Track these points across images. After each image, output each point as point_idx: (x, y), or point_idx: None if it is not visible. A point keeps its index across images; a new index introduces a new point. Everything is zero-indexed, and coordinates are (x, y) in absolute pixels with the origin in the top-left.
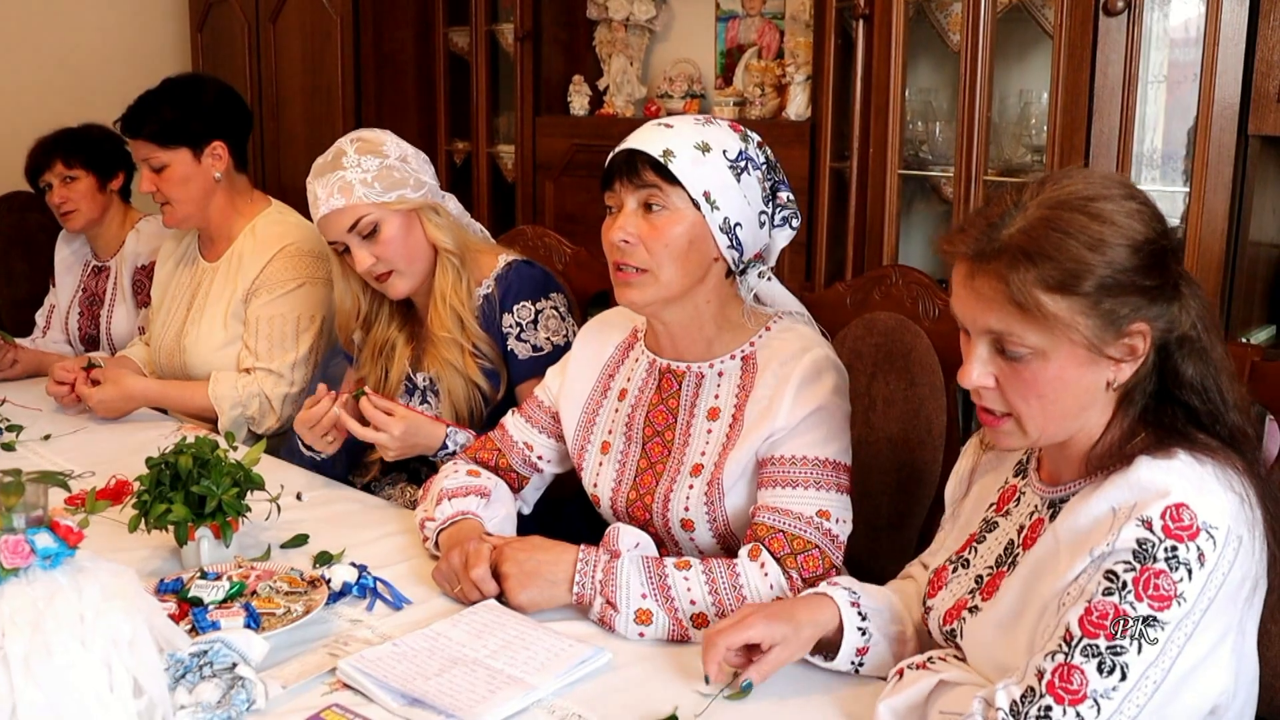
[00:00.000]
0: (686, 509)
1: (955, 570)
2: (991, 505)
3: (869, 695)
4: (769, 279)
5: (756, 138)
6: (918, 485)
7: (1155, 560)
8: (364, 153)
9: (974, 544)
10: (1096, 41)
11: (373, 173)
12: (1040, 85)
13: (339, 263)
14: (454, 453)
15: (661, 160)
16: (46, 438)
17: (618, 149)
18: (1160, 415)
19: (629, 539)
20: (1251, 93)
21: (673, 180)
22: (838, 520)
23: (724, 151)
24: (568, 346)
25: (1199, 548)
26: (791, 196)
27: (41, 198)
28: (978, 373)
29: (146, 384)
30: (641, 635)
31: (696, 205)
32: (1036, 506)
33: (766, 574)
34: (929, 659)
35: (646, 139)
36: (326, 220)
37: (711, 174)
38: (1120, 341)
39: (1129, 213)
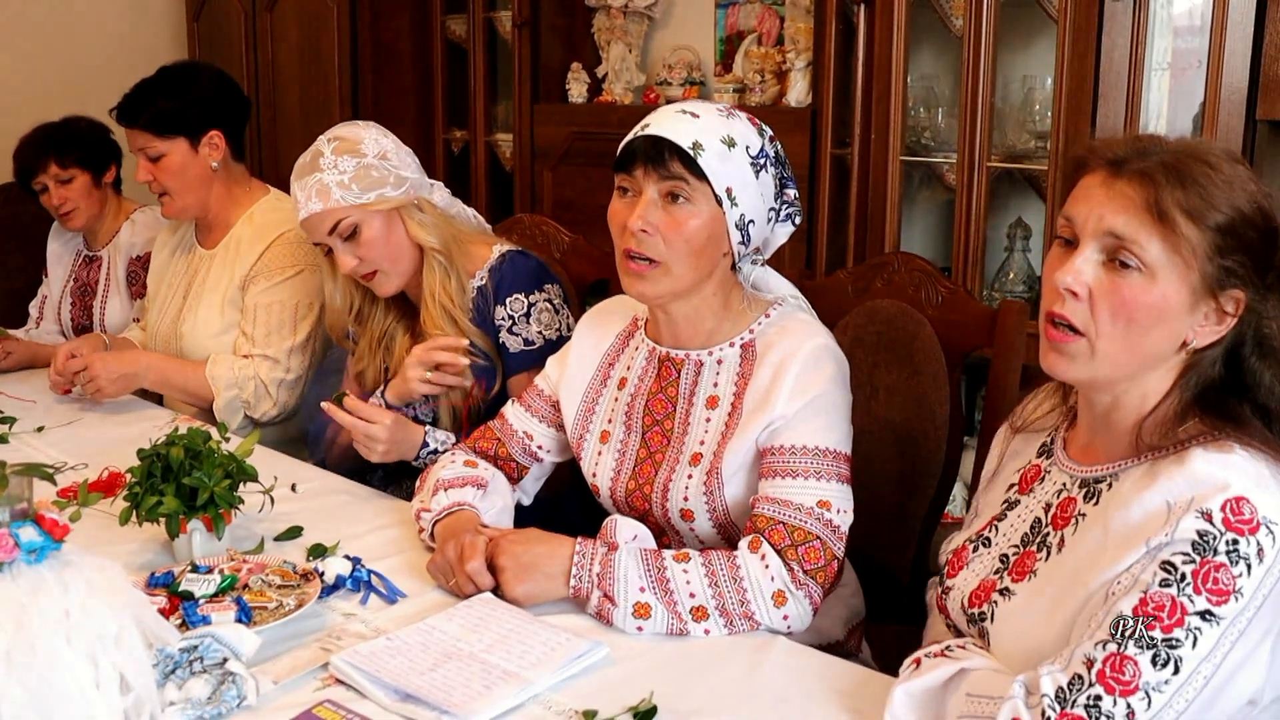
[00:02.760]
0: (686, 498)
1: (976, 549)
2: (1014, 486)
3: (876, 691)
4: (763, 265)
5: (770, 131)
6: (920, 475)
7: (1215, 553)
8: (341, 153)
9: (995, 523)
10: (1101, 26)
11: (350, 174)
12: (1044, 71)
13: (327, 262)
14: (435, 451)
15: (691, 153)
16: (40, 429)
17: (640, 132)
18: (1221, 402)
19: (627, 531)
20: (1259, 78)
21: (699, 174)
22: (839, 511)
23: (747, 148)
24: (561, 340)
25: (1259, 542)
26: (796, 194)
27: (34, 198)
28: (1076, 275)
29: (150, 355)
30: (640, 629)
31: (718, 201)
32: (1065, 485)
33: (767, 566)
34: (946, 648)
35: (674, 128)
36: (307, 223)
37: (735, 170)
38: (1218, 300)
39: (1259, 184)
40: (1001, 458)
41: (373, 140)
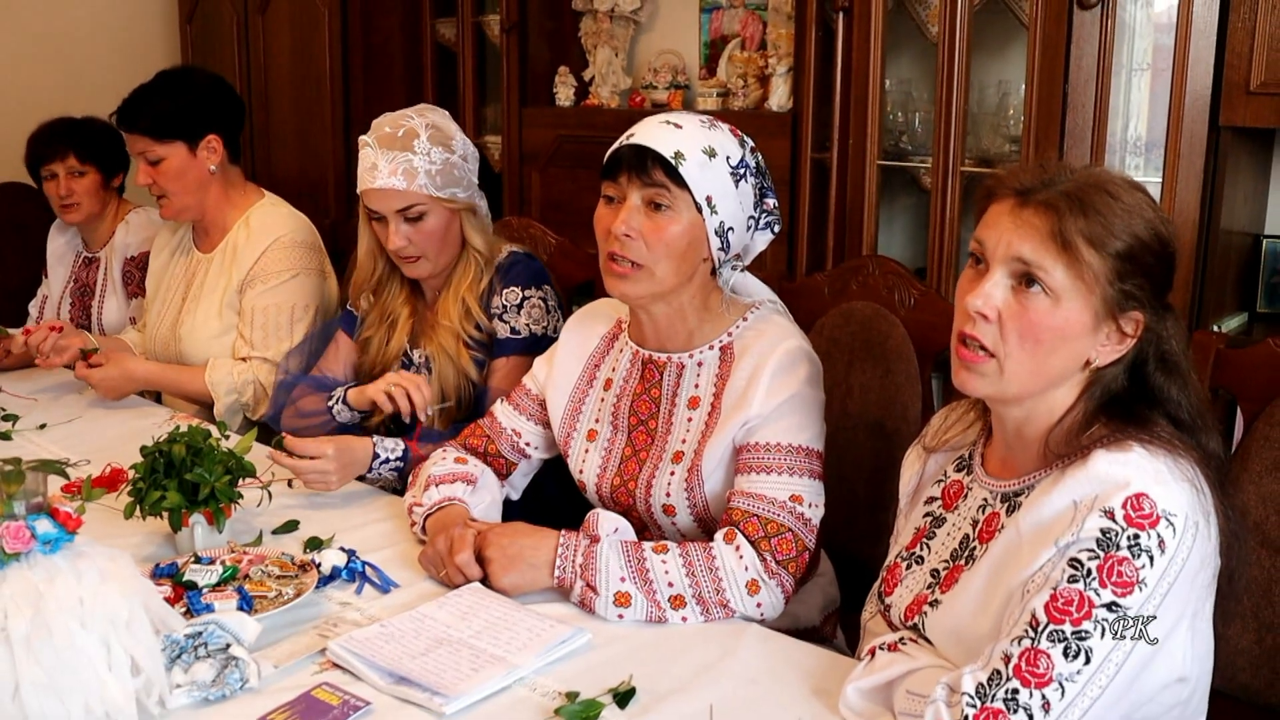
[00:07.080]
0: (668, 494)
1: (909, 566)
2: (937, 502)
3: (840, 673)
4: (742, 270)
5: (751, 143)
6: (893, 469)
7: (1118, 548)
8: (436, 142)
9: (924, 540)
10: (1071, 34)
11: (438, 165)
12: (1017, 77)
13: (367, 224)
14: (386, 461)
15: (673, 162)
16: (42, 427)
17: (625, 141)
18: (1127, 408)
19: (608, 524)
20: (1222, 84)
21: (680, 182)
22: (810, 505)
23: (727, 158)
24: (546, 338)
25: (1159, 535)
26: (776, 203)
27: (36, 185)
28: (986, 299)
29: (147, 366)
30: (620, 617)
31: (698, 209)
32: (986, 500)
33: (742, 557)
34: (900, 639)
35: (657, 137)
36: (379, 194)
37: (715, 179)
38: (1118, 321)
39: (1157, 210)
40: (920, 477)
41: (461, 139)
